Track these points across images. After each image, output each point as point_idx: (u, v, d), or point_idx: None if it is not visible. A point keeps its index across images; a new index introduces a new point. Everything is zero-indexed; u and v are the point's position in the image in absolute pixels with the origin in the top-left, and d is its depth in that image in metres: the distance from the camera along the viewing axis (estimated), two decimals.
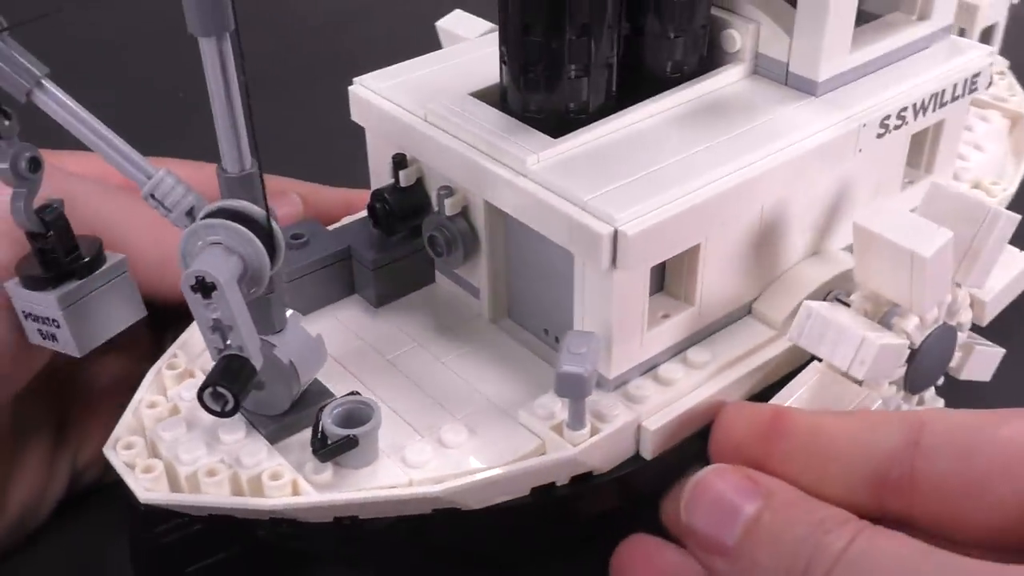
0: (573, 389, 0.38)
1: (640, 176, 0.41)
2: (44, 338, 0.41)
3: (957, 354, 0.47)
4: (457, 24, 0.56)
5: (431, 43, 0.55)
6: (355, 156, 0.51)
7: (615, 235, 0.38)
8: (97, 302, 0.42)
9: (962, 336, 0.46)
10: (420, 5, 0.97)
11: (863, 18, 0.52)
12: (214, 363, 0.37)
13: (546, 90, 0.43)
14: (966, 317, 0.46)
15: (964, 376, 0.48)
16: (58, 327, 0.41)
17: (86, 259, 0.41)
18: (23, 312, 0.41)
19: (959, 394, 0.48)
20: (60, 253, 0.40)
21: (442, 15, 0.58)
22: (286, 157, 0.39)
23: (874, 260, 0.42)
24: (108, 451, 0.41)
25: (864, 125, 0.45)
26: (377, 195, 0.47)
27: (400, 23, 0.95)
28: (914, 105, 0.47)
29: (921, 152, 0.52)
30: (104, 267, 0.42)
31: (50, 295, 0.40)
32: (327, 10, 1.00)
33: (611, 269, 0.39)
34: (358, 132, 0.49)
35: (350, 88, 0.48)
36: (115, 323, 0.43)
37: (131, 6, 0.92)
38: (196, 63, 0.34)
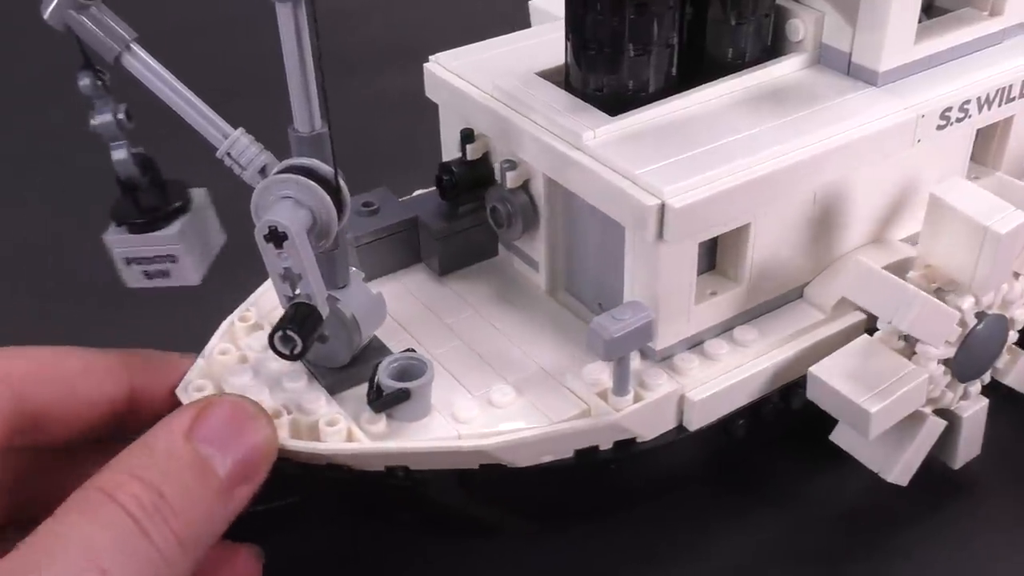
0: (596, 347, 0.39)
1: (692, 154, 0.42)
2: (151, 277, 0.44)
3: (1005, 356, 0.47)
4: (550, 2, 0.58)
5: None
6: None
7: (662, 208, 0.40)
8: (198, 233, 0.45)
9: (1013, 335, 0.46)
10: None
11: (934, 12, 0.52)
12: (284, 310, 0.40)
13: (606, 68, 0.44)
14: (1021, 314, 0.46)
15: (1008, 382, 0.48)
16: (174, 262, 0.44)
17: (181, 197, 0.44)
18: (125, 259, 0.44)
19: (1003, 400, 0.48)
20: (158, 194, 0.43)
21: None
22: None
23: (944, 233, 0.42)
24: (180, 392, 0.43)
25: (923, 116, 0.45)
26: (444, 167, 0.49)
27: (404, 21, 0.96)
28: (978, 99, 0.47)
29: (989, 147, 0.53)
30: (196, 201, 0.44)
31: (169, 231, 0.43)
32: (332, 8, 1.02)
33: (658, 241, 0.40)
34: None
35: (425, 65, 0.51)
36: (212, 249, 0.46)
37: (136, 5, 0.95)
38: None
